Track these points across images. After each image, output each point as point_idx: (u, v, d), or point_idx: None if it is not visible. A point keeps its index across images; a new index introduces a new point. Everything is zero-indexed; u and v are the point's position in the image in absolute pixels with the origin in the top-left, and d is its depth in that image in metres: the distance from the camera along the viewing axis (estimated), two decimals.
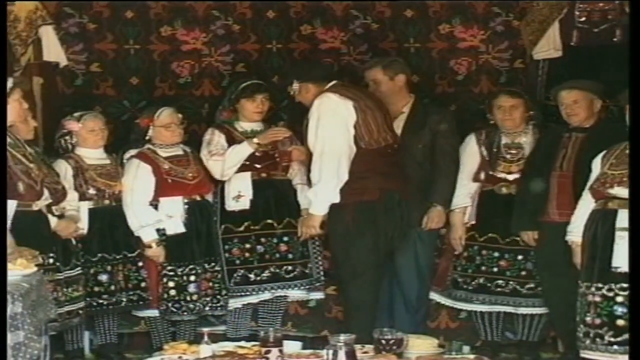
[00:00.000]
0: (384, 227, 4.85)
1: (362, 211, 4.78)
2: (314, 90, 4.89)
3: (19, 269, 3.53)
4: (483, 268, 5.18)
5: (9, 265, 3.52)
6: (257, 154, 5.21)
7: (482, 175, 5.18)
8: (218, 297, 5.17)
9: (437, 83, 5.97)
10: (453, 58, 5.97)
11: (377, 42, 5.95)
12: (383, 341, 3.74)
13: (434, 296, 5.35)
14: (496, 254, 5.16)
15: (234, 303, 5.23)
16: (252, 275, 5.19)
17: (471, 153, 5.23)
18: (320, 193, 4.76)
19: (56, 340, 4.70)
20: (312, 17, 5.95)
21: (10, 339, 3.16)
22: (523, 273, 5.12)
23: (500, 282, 5.15)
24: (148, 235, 5.06)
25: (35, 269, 3.65)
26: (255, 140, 5.19)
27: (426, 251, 5.28)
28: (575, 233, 4.50)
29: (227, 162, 5.16)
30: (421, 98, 5.43)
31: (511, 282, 5.12)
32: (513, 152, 5.17)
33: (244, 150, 5.18)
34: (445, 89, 5.99)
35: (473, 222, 5.20)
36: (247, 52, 5.95)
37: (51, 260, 4.55)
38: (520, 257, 5.11)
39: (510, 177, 5.13)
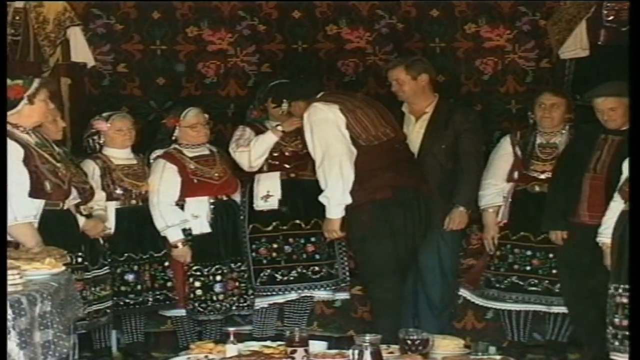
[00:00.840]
0: (402, 224, 4.85)
1: (377, 210, 4.80)
2: (305, 106, 4.95)
3: (48, 268, 3.55)
4: (515, 267, 5.15)
5: (37, 265, 3.55)
6: (286, 154, 5.22)
7: (516, 175, 5.15)
8: (245, 296, 5.18)
9: (463, 83, 5.96)
10: (479, 58, 5.96)
11: (403, 42, 5.95)
12: (409, 341, 3.73)
13: (466, 295, 5.32)
14: (529, 253, 5.13)
15: (260, 303, 5.24)
16: (278, 275, 5.20)
17: (505, 153, 5.20)
18: (330, 198, 4.81)
19: (84, 339, 4.74)
20: (338, 17, 5.96)
21: (40, 337, 3.19)
22: (555, 272, 5.09)
23: (533, 280, 5.12)
24: (174, 236, 5.07)
25: (64, 268, 3.67)
26: (280, 127, 5.19)
27: (450, 251, 5.26)
28: (606, 235, 4.47)
29: (253, 152, 5.17)
30: (446, 98, 5.41)
31: (544, 281, 5.10)
32: (548, 151, 5.14)
33: (268, 139, 5.19)
34: (471, 89, 5.98)
35: (505, 221, 5.17)
36: (272, 52, 5.97)
37: (79, 260, 4.56)
38: (551, 255, 5.07)
39: (543, 176, 5.09)
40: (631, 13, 4.14)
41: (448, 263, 5.24)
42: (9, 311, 3.01)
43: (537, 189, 5.11)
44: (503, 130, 5.95)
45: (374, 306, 5.02)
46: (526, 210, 5.12)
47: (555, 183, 4.98)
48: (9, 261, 3.44)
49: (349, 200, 4.78)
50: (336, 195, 4.78)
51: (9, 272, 3.25)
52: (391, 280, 4.89)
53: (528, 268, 5.13)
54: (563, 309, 5.10)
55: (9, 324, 3.01)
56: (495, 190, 5.18)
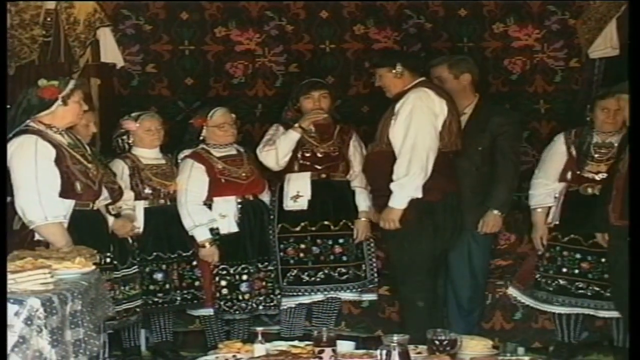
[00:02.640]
0: (442, 228, 4.83)
1: (424, 211, 4.76)
2: (406, 80, 4.83)
3: (78, 268, 3.58)
4: (564, 270, 5.10)
5: (68, 264, 3.58)
6: (318, 154, 5.21)
7: (569, 175, 5.09)
8: (271, 296, 5.19)
9: (491, 83, 5.93)
10: (507, 57, 5.94)
11: (431, 42, 5.94)
12: (437, 342, 3.71)
13: (516, 295, 5.28)
14: (578, 256, 5.07)
15: (287, 303, 5.25)
16: (305, 276, 5.20)
17: (558, 153, 5.14)
18: (406, 187, 4.71)
19: (114, 337, 4.77)
20: (366, 17, 5.96)
21: (71, 335, 3.22)
22: (606, 276, 4.98)
23: (580, 284, 5.07)
24: (201, 235, 5.09)
25: (94, 267, 3.70)
26: (297, 125, 5.18)
27: (480, 252, 5.23)
28: None
29: (279, 151, 5.16)
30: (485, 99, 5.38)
31: (592, 285, 5.04)
32: (603, 151, 5.06)
33: (291, 136, 5.17)
34: (499, 89, 5.95)
35: (557, 223, 5.13)
36: (300, 53, 5.98)
37: (109, 259, 4.58)
38: (603, 259, 4.98)
39: (598, 177, 5.01)
40: (631, 13, 4.09)
41: (478, 264, 5.22)
42: (41, 309, 3.04)
43: (589, 191, 5.02)
44: (531, 131, 5.94)
45: (404, 306, 5.01)
46: (577, 213, 5.02)
47: (608, 184, 4.79)
48: (39, 260, 3.49)
49: (420, 194, 4.71)
50: (411, 186, 4.70)
51: (40, 271, 3.28)
52: (423, 281, 4.87)
53: (577, 271, 5.07)
54: (611, 314, 4.99)
55: (41, 322, 3.04)
56: (545, 191, 5.13)
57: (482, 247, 5.23)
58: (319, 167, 5.22)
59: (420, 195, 4.71)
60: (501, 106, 5.58)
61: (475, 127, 5.06)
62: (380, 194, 4.88)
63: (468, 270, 5.18)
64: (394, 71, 4.83)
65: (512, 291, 5.30)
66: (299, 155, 5.21)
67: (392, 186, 4.74)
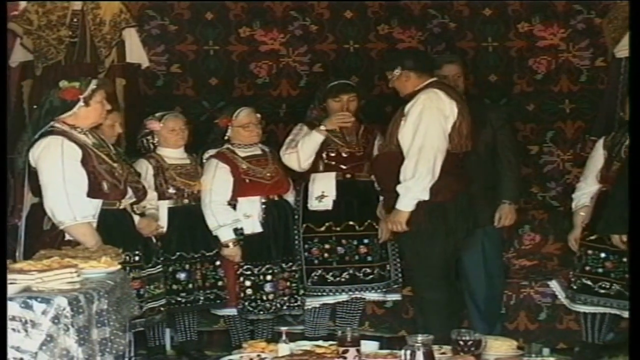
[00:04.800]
0: (455, 228, 4.81)
1: (434, 212, 4.74)
2: (415, 81, 4.80)
3: (104, 267, 3.60)
4: (587, 268, 5.07)
5: (94, 263, 3.60)
6: (343, 154, 5.20)
7: (599, 176, 5.06)
8: (296, 296, 5.19)
9: (515, 82, 5.91)
10: (532, 57, 5.92)
11: (455, 41, 5.93)
12: (461, 342, 3.70)
13: (557, 291, 5.25)
14: (602, 255, 5.03)
15: (311, 303, 5.25)
16: (329, 277, 5.19)
17: (595, 155, 5.13)
18: (412, 189, 4.69)
19: (139, 337, 4.79)
20: (390, 16, 5.96)
21: (97, 334, 3.23)
22: (626, 275, 4.95)
23: (604, 283, 5.04)
24: (225, 235, 5.09)
25: (119, 266, 3.72)
26: (322, 127, 5.16)
27: (494, 249, 5.23)
28: None
29: (301, 154, 5.16)
30: (498, 98, 5.37)
31: (615, 284, 5.02)
32: None
33: (314, 138, 5.15)
34: (524, 88, 5.93)
35: (587, 222, 5.10)
36: (324, 53, 5.99)
37: (136, 258, 4.58)
38: (625, 259, 4.93)
39: None
40: (631, 13, 4.05)
41: (493, 263, 5.22)
42: (68, 308, 3.07)
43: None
44: (556, 130, 5.92)
45: (424, 307, 4.99)
46: (604, 212, 4.97)
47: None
48: (66, 259, 3.52)
49: (427, 196, 4.68)
50: (417, 189, 4.67)
51: (67, 270, 3.31)
52: (440, 281, 4.85)
53: (600, 270, 5.03)
54: None
55: (68, 321, 3.06)
56: (586, 191, 5.12)
57: (496, 244, 5.23)
58: (344, 167, 5.21)
59: (427, 198, 4.68)
60: (489, 102, 5.56)
61: (477, 124, 5.02)
62: (389, 196, 4.87)
63: (483, 269, 5.18)
64: (401, 73, 4.80)
65: (554, 285, 5.27)
66: (324, 155, 5.20)
67: (399, 188, 4.73)
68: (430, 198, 4.69)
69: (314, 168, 5.22)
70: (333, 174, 5.20)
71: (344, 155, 5.20)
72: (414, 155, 4.66)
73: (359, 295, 5.26)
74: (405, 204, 4.72)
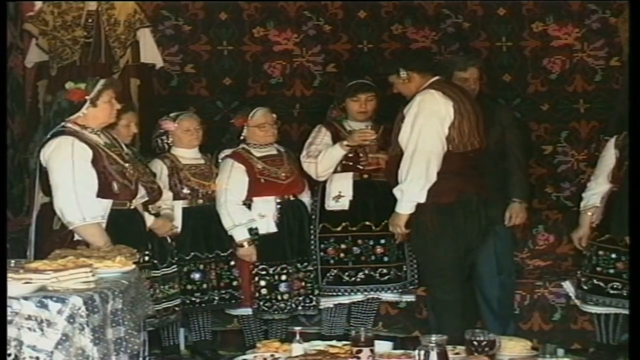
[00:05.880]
0: (463, 229, 4.78)
1: (440, 213, 4.71)
2: (418, 81, 4.78)
3: (119, 267, 3.61)
4: (598, 269, 5.05)
5: (108, 263, 3.62)
6: (360, 155, 5.20)
7: (611, 176, 5.04)
8: (310, 296, 5.19)
9: (530, 82, 5.90)
10: (546, 57, 5.90)
11: (469, 41, 5.91)
12: (475, 342, 3.70)
13: (570, 291, 5.24)
14: (614, 255, 5.02)
15: (325, 303, 5.25)
16: (345, 277, 5.19)
17: (607, 155, 5.11)
18: (407, 192, 4.69)
19: (153, 336, 4.80)
20: (403, 16, 5.95)
21: (112, 333, 3.25)
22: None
23: (615, 284, 5.02)
24: (240, 235, 5.10)
25: (134, 266, 3.73)
26: (345, 142, 5.17)
27: (505, 248, 5.22)
28: None
29: (320, 166, 5.17)
30: (512, 98, 5.36)
31: (627, 285, 4.99)
32: None
33: (335, 153, 5.17)
34: (538, 88, 5.91)
35: (597, 222, 5.09)
36: (338, 53, 5.98)
37: (147, 258, 4.60)
38: None
39: None
40: (631, 13, 4.03)
41: (505, 262, 5.21)
42: (83, 308, 3.08)
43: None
44: (570, 130, 5.90)
45: (436, 307, 4.98)
46: (615, 213, 4.96)
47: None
48: (81, 259, 3.53)
49: (423, 199, 4.67)
50: (413, 191, 4.67)
51: (82, 269, 3.32)
52: (451, 282, 4.83)
53: (612, 271, 5.01)
54: None
55: (83, 320, 3.07)
56: (597, 191, 5.10)
57: (507, 244, 5.22)
58: (361, 168, 5.21)
59: (423, 200, 4.66)
60: (494, 101, 5.55)
61: (486, 122, 4.99)
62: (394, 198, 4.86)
63: (495, 269, 5.17)
64: (400, 77, 4.79)
65: (566, 285, 5.26)
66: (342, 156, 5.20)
67: (395, 191, 4.74)
68: (435, 200, 4.67)
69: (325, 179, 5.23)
70: (350, 174, 5.21)
71: (361, 155, 5.19)
72: (408, 158, 4.66)
73: (374, 296, 5.24)
74: (402, 206, 4.73)
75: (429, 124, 4.66)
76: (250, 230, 5.12)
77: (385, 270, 5.20)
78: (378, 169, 5.20)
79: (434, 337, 3.48)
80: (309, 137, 5.32)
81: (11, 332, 3.00)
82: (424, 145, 4.64)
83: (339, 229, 5.19)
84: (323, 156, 5.17)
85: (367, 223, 5.19)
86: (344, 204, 5.17)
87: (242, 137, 5.22)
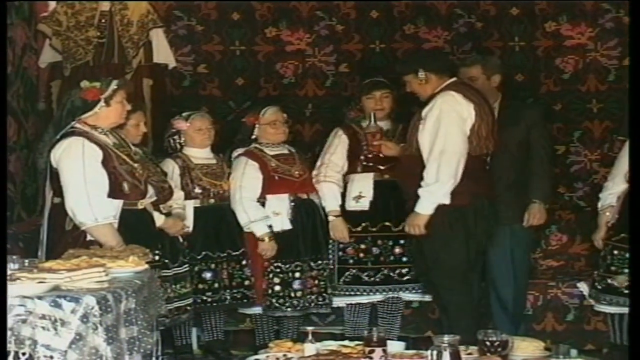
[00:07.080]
0: (474, 232, 4.77)
1: (453, 215, 4.70)
2: (435, 83, 4.77)
3: (132, 266, 3.61)
4: (613, 268, 5.03)
5: (121, 262, 3.63)
6: (381, 155, 5.16)
7: (626, 175, 5.05)
8: (323, 295, 5.19)
9: (542, 82, 5.89)
10: (559, 56, 5.88)
11: (482, 41, 5.91)
12: (488, 343, 3.68)
13: (584, 291, 5.24)
14: (628, 255, 5.02)
15: (339, 302, 5.25)
16: (364, 276, 5.18)
17: (624, 155, 5.03)
18: (435, 193, 4.65)
19: (166, 336, 4.81)
20: (416, 16, 5.95)
21: (125, 333, 3.25)
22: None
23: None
24: (259, 230, 5.08)
25: (147, 266, 3.73)
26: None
27: (521, 250, 5.20)
28: None
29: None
30: (523, 97, 5.33)
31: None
32: None
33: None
34: (551, 88, 5.90)
35: (613, 222, 5.07)
36: (350, 52, 5.99)
37: (157, 257, 4.58)
38: None
39: None
40: (631, 13, 4.00)
41: (520, 263, 5.18)
42: (96, 307, 3.09)
43: None
44: (583, 130, 5.88)
45: (446, 309, 4.97)
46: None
47: None
48: (94, 259, 3.54)
49: (447, 201, 4.64)
50: (440, 193, 4.64)
51: (95, 269, 3.33)
52: (462, 284, 4.82)
53: (627, 271, 4.96)
54: None
55: (96, 319, 3.08)
56: (613, 191, 5.08)
57: (523, 245, 5.20)
58: (381, 168, 5.20)
59: (447, 202, 4.64)
60: (523, 101, 5.52)
61: (507, 121, 5.01)
62: (408, 198, 4.85)
63: (511, 269, 5.15)
64: (418, 77, 4.77)
65: (582, 286, 5.25)
66: (362, 157, 5.20)
67: (420, 192, 4.69)
68: (449, 202, 4.67)
69: (352, 169, 5.22)
70: (371, 175, 5.19)
71: (382, 156, 5.16)
72: (436, 160, 4.63)
73: (395, 295, 5.23)
74: (426, 207, 4.70)
75: (454, 126, 4.65)
76: None
77: (404, 271, 5.18)
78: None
79: (446, 337, 3.47)
80: (326, 142, 5.29)
81: (25, 331, 3.01)
82: (453, 147, 4.63)
83: (359, 229, 5.18)
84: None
85: (387, 223, 5.17)
86: (364, 204, 5.16)
87: (253, 137, 5.22)
